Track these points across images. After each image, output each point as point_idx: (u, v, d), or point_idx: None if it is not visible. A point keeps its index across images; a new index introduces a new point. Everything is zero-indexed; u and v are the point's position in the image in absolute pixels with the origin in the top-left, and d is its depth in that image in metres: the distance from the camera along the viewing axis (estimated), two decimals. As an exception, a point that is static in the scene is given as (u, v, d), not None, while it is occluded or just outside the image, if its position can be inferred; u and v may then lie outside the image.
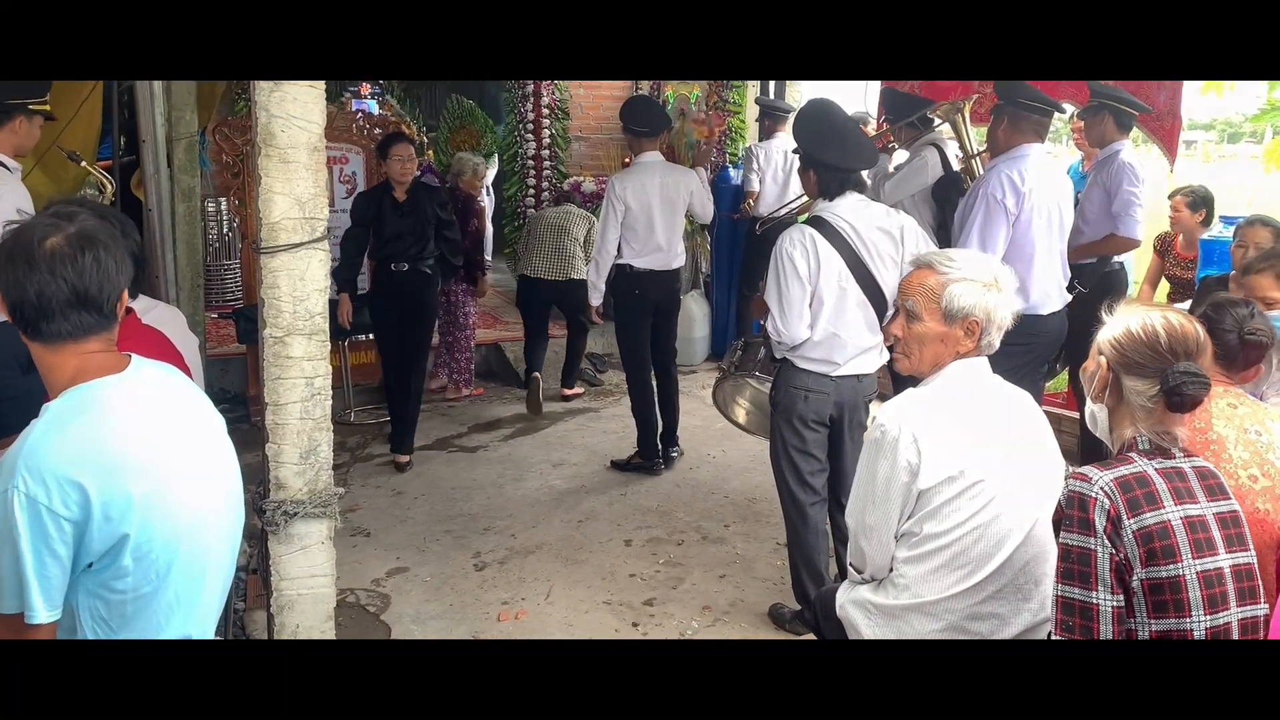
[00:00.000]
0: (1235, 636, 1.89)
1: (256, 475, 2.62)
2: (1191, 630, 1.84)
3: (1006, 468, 2.29)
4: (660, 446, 5.43)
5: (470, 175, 6.66)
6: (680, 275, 5.48)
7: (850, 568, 2.57)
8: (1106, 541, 1.86)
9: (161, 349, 2.42)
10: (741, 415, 4.28)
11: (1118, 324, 2.01)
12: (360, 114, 7.42)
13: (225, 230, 7.91)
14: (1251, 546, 1.99)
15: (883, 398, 3.57)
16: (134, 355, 1.74)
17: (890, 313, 3.59)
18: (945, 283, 2.40)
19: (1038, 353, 4.13)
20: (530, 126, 9.09)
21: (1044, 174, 4.07)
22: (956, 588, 2.30)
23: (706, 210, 5.47)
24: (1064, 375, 5.24)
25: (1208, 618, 1.85)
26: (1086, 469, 1.92)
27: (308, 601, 2.63)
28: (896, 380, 4.64)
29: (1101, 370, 2.01)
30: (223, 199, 7.57)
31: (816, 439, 3.60)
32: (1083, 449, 4.39)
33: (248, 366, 6.14)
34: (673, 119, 8.54)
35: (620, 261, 5.18)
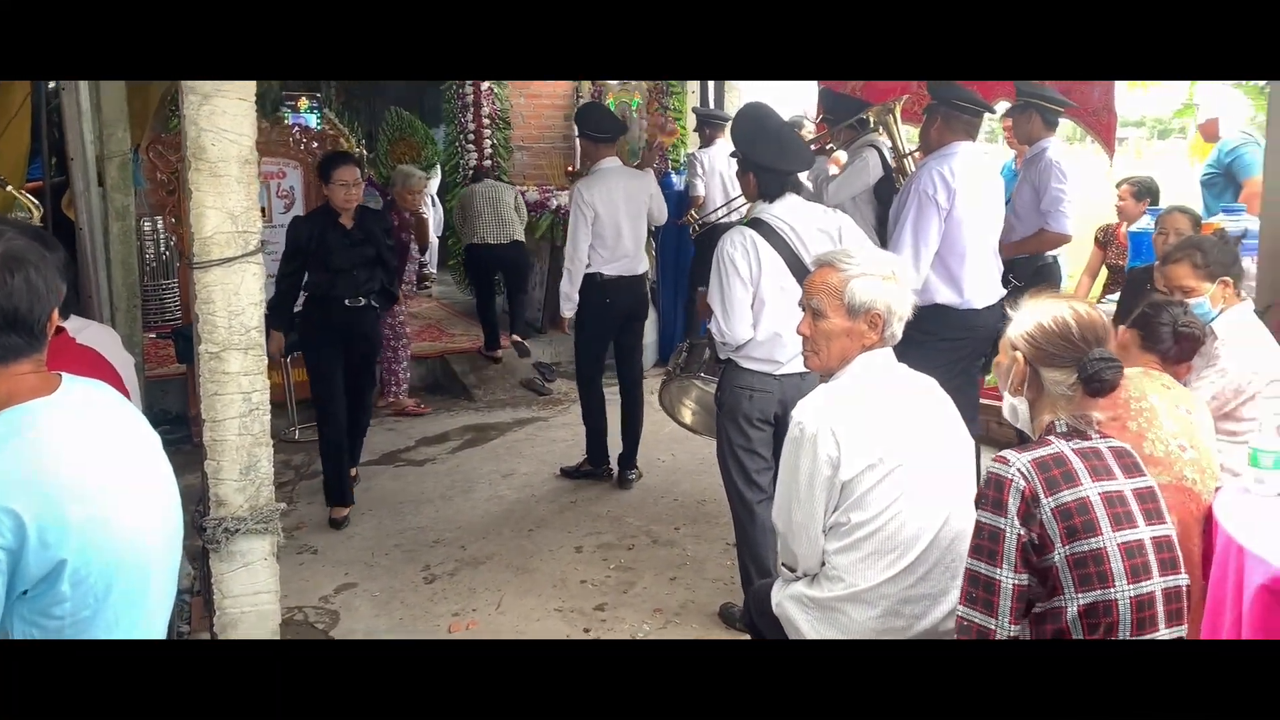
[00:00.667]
0: (1159, 606, 1.96)
1: (198, 495, 2.59)
2: (1117, 600, 1.90)
3: (922, 451, 2.37)
4: (617, 467, 5.38)
5: (400, 187, 6.56)
6: (647, 280, 5.45)
7: (783, 567, 2.62)
8: (1017, 523, 1.93)
9: (97, 368, 2.38)
10: (688, 416, 4.31)
11: (1028, 319, 2.08)
12: (297, 128, 7.35)
13: (162, 249, 7.78)
14: (1169, 520, 2.06)
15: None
16: (64, 375, 1.71)
17: None
18: (846, 279, 2.48)
19: (974, 346, 4.21)
20: (471, 137, 9.08)
21: (975, 170, 4.15)
22: (888, 572, 2.36)
23: (662, 213, 5.48)
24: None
25: (1130, 587, 1.92)
26: (1006, 452, 1.99)
27: (252, 619, 2.61)
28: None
29: (1018, 365, 2.08)
30: (159, 217, 7.45)
31: (762, 437, 3.64)
32: (1020, 437, 4.48)
33: (188, 386, 6.05)
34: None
35: (589, 271, 5.11)
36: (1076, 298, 2.16)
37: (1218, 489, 2.64)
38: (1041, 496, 1.92)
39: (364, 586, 4.23)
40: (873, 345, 2.48)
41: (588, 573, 4.31)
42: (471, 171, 8.98)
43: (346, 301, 4.77)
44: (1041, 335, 2.04)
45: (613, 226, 5.09)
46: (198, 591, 3.77)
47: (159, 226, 7.65)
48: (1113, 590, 1.90)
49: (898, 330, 2.50)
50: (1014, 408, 2.14)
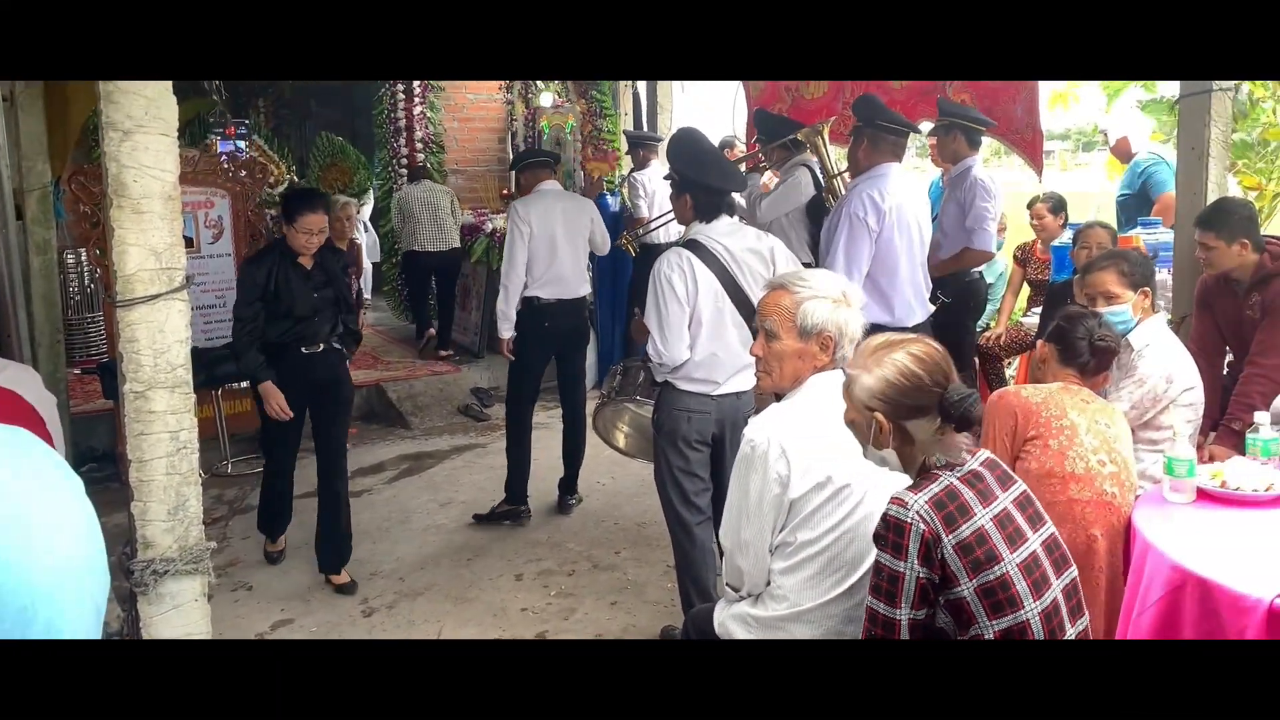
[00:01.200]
0: (1063, 610, 2.03)
1: (125, 537, 2.53)
2: (1028, 620, 1.95)
3: (868, 471, 2.38)
4: (557, 492, 5.33)
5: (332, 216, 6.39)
6: (585, 304, 5.40)
7: (727, 587, 2.63)
8: (917, 565, 1.95)
9: (15, 411, 2.33)
10: (622, 440, 4.32)
11: (873, 378, 2.07)
12: (225, 155, 7.25)
13: (87, 282, 7.62)
14: (1047, 517, 2.13)
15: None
16: None
17: None
18: (799, 301, 2.52)
19: (906, 363, 4.28)
20: (404, 161, 9.03)
21: (903, 192, 4.24)
22: (832, 592, 2.38)
23: (605, 242, 5.42)
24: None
25: (1037, 604, 1.98)
26: (902, 493, 2.01)
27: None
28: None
29: (881, 426, 2.07)
30: (82, 250, 7.30)
31: (700, 459, 3.66)
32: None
33: (116, 423, 5.92)
34: (552, 147, 8.63)
35: (526, 294, 5.04)
36: (905, 339, 2.14)
37: (1137, 497, 2.72)
38: (943, 536, 1.94)
39: (300, 622, 4.16)
40: (824, 366, 2.52)
41: (528, 600, 4.29)
42: (405, 173, 8.95)
43: (304, 349, 4.40)
44: (895, 392, 2.05)
45: (549, 247, 5.03)
46: (126, 634, 3.69)
47: (83, 259, 7.51)
48: (1023, 611, 1.95)
49: (849, 351, 2.51)
50: (881, 458, 2.16)
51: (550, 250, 5.04)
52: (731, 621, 2.54)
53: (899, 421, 2.06)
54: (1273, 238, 3.65)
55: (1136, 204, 5.57)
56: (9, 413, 2.11)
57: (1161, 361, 3.13)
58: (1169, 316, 3.68)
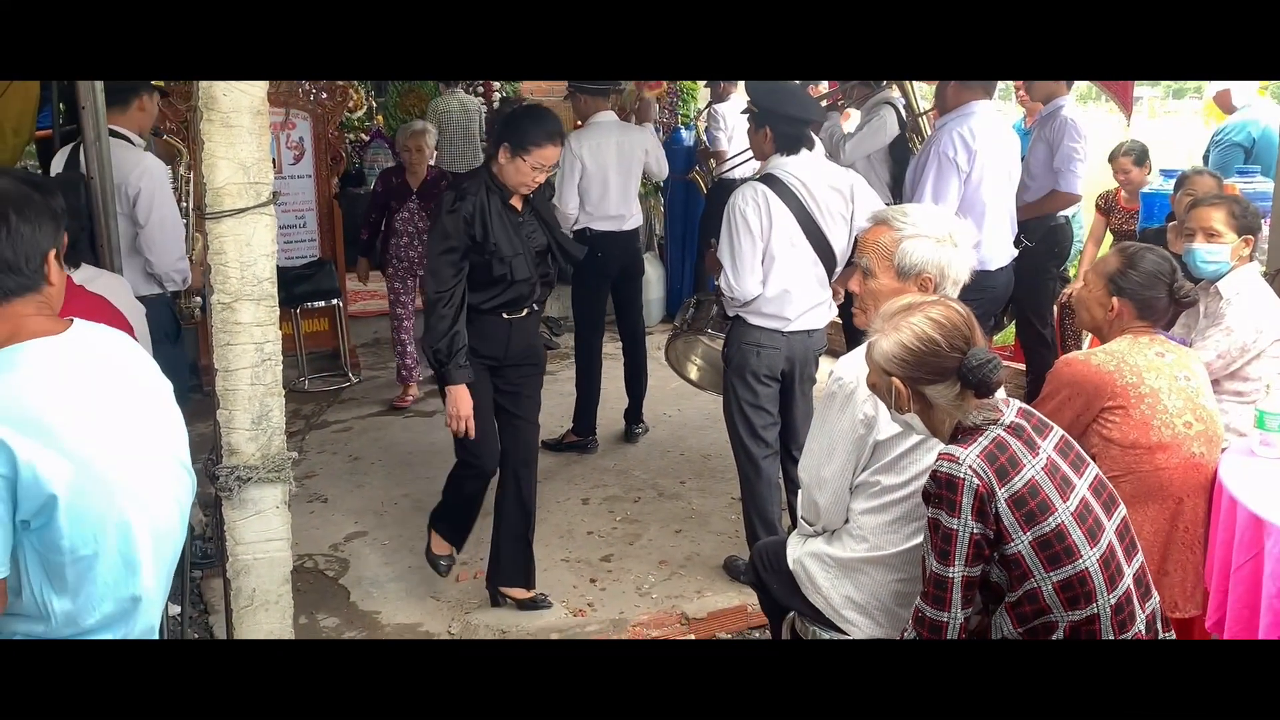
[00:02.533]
0: (1119, 551, 1.99)
1: (210, 444, 2.62)
2: (1087, 569, 1.92)
3: None
4: (623, 422, 5.38)
5: (405, 139, 5.81)
6: (639, 236, 5.40)
7: (802, 520, 2.63)
8: (971, 521, 1.92)
9: (106, 315, 2.40)
10: (694, 372, 4.33)
11: (890, 341, 2.02)
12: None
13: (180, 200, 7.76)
14: (1089, 458, 2.08)
15: (832, 353, 3.65)
16: (77, 320, 1.73)
17: (839, 269, 3.65)
18: (899, 239, 2.43)
19: (986, 307, 4.20)
20: (480, 90, 9.01)
21: (994, 131, 4.13)
22: (914, 539, 2.35)
23: (663, 168, 5.43)
24: (1011, 328, 5.34)
25: (1094, 550, 1.94)
26: (952, 448, 1.97)
27: (264, 566, 2.64)
28: (850, 335, 4.70)
29: (898, 390, 2.03)
30: (168, 168, 7.44)
31: (769, 393, 3.66)
32: (1028, 402, 4.50)
33: (198, 336, 6.08)
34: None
35: (577, 227, 5.05)
36: (928, 301, 2.07)
37: (1224, 450, 2.65)
38: (996, 489, 1.91)
39: (373, 535, 4.28)
40: None
41: (594, 524, 4.36)
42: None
43: (505, 314, 3.46)
44: (911, 357, 2.00)
45: (600, 181, 5.00)
46: (210, 537, 3.84)
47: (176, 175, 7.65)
48: (1081, 560, 1.93)
49: (951, 294, 2.42)
50: (906, 422, 2.12)
51: (603, 185, 5.02)
52: (809, 559, 2.52)
53: (916, 387, 2.02)
54: None
55: (1241, 155, 5.40)
56: (102, 318, 2.17)
57: (1251, 311, 3.02)
58: (1263, 268, 3.55)
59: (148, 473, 1.75)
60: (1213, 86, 5.80)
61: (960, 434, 2.02)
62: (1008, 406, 2.04)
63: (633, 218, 5.22)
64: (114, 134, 3.55)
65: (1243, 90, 5.72)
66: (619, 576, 3.92)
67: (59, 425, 1.59)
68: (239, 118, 2.40)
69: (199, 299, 4.32)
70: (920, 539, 2.32)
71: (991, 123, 4.12)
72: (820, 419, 2.50)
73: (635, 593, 3.81)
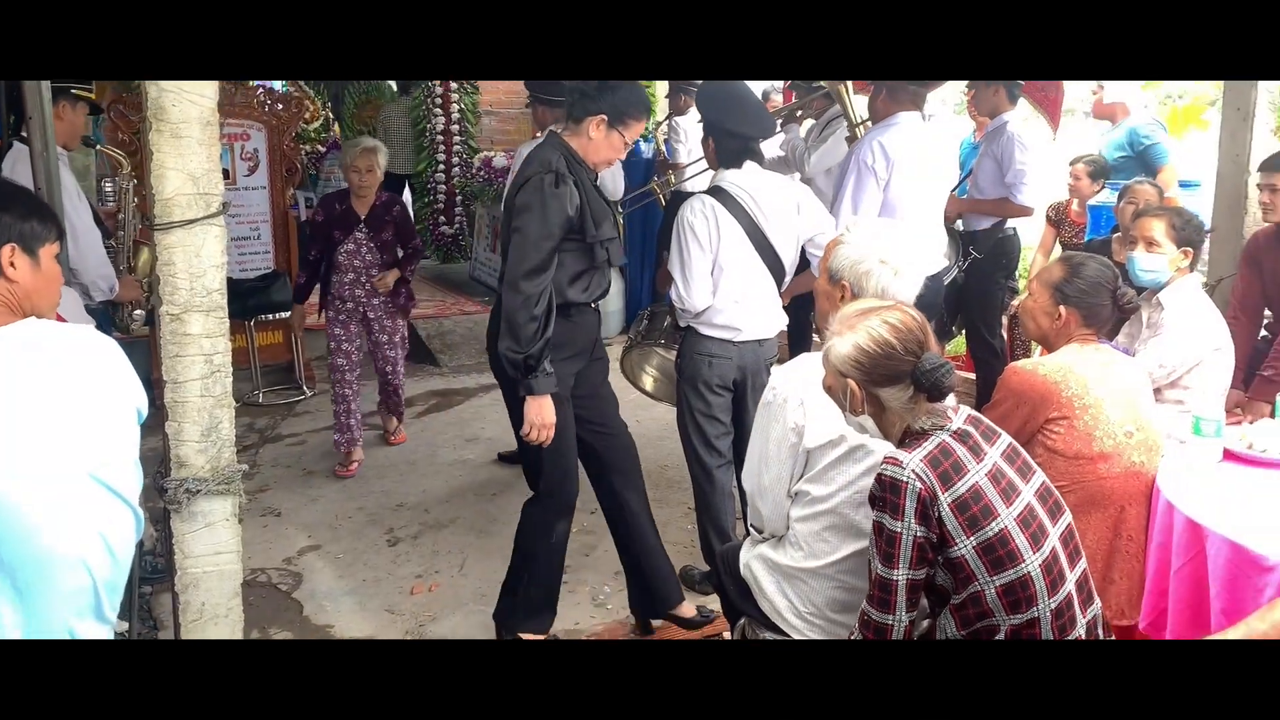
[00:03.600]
0: (1061, 557, 2.03)
1: (159, 457, 2.60)
2: (1029, 573, 1.96)
3: None
4: None
5: (352, 158, 4.93)
6: None
7: (752, 528, 2.67)
8: (914, 524, 1.96)
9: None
10: (649, 383, 4.35)
11: (846, 344, 2.06)
12: (261, 89, 7.26)
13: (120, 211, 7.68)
14: (1035, 465, 2.13)
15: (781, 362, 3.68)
16: (33, 319, 1.72)
17: (788, 278, 3.70)
18: (836, 244, 2.53)
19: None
20: (439, 100, 9.00)
21: (919, 141, 4.15)
22: (845, 549, 2.39)
23: (618, 187, 5.43)
24: (961, 338, 5.42)
25: (1036, 555, 1.98)
26: (897, 453, 2.02)
27: (213, 579, 2.62)
28: (792, 345, 4.73)
29: (853, 390, 2.07)
30: (117, 178, 7.35)
31: (721, 403, 3.69)
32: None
33: (150, 349, 6.01)
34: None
35: None
36: (884, 306, 2.13)
37: (1162, 456, 2.71)
38: (939, 494, 1.95)
39: (327, 549, 4.26)
40: None
41: (550, 536, 4.35)
42: (440, 138, 8.93)
43: (595, 305, 3.31)
44: (867, 359, 2.04)
45: None
46: (159, 552, 3.79)
47: (117, 187, 7.56)
48: (1024, 565, 1.96)
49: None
50: (860, 424, 2.16)
51: None
52: (755, 562, 2.57)
53: (871, 389, 2.06)
54: None
55: (1134, 166, 5.54)
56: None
57: (1192, 322, 3.10)
58: (1204, 279, 3.65)
59: (47, 489, 1.65)
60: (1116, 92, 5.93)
61: (908, 438, 2.06)
62: (956, 413, 2.08)
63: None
64: (27, 142, 3.51)
65: (1122, 96, 5.88)
66: (574, 588, 3.93)
67: None
68: (188, 128, 2.38)
69: (139, 312, 4.28)
70: (851, 548, 2.37)
71: (915, 134, 4.15)
72: (757, 428, 2.56)
73: (591, 603, 3.81)
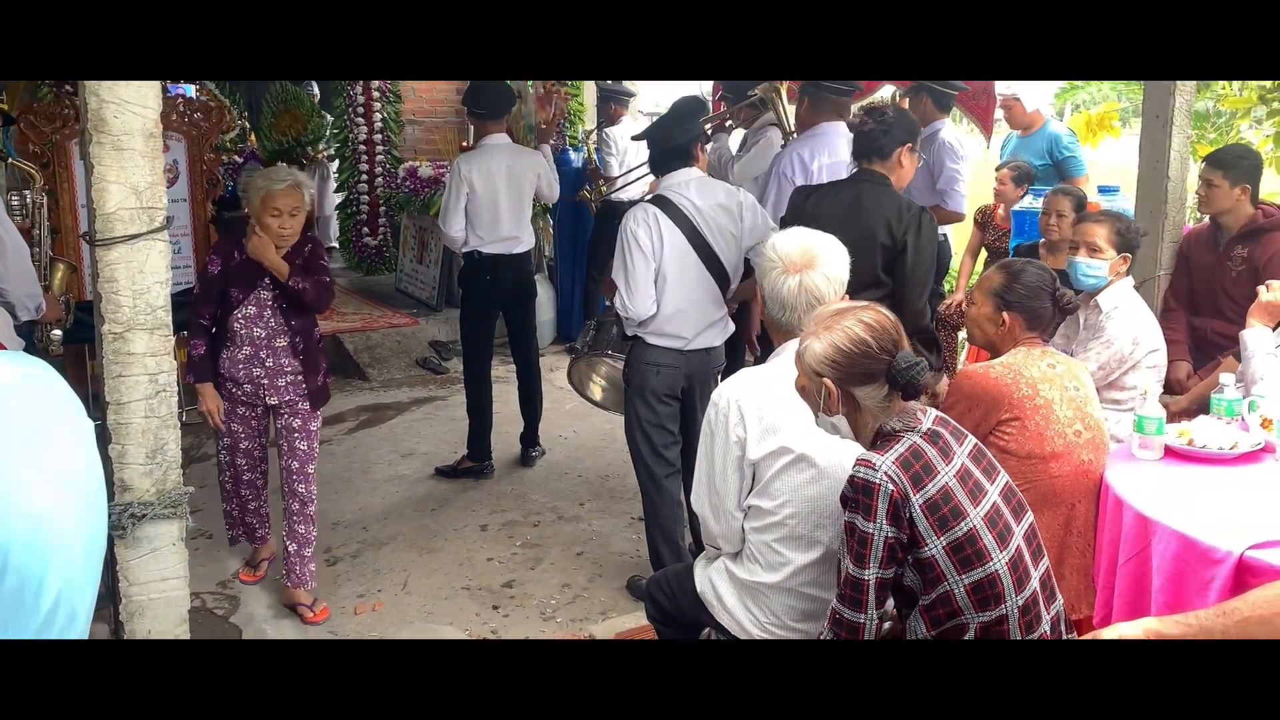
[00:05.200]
0: (1026, 556, 2.08)
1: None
2: (996, 571, 2.01)
3: (833, 444, 2.34)
4: (520, 446, 5.33)
5: (267, 199, 3.56)
6: (531, 258, 5.36)
7: (708, 547, 2.66)
8: (885, 525, 1.99)
9: (-12, 350, 2.28)
10: (598, 393, 4.34)
11: (823, 343, 2.09)
12: (180, 98, 7.06)
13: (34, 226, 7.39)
14: (1000, 467, 2.18)
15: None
16: None
17: (733, 285, 3.72)
18: (763, 274, 2.58)
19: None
20: (360, 110, 8.86)
21: (838, 151, 4.21)
22: (798, 560, 2.40)
23: (553, 191, 5.38)
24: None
25: (1003, 554, 2.03)
26: (869, 455, 2.04)
27: (159, 606, 2.54)
28: (730, 356, 4.78)
29: (829, 391, 2.09)
30: (26, 192, 7.08)
31: (669, 412, 3.70)
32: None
33: (65, 367, 5.79)
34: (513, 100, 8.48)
35: (467, 249, 5.02)
36: (859, 306, 2.16)
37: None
38: (910, 495, 1.98)
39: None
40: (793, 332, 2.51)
41: (494, 550, 4.32)
42: (361, 121, 8.78)
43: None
44: (843, 358, 2.07)
45: (490, 206, 4.95)
46: (100, 580, 3.64)
47: (27, 200, 7.27)
48: (991, 563, 2.01)
49: (779, 318, 2.54)
50: (832, 425, 2.19)
51: (492, 208, 4.96)
52: (717, 578, 2.56)
53: (847, 388, 2.08)
54: (1266, 202, 3.79)
55: (1051, 175, 5.74)
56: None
57: (1129, 324, 3.21)
58: (1134, 281, 3.78)
59: (61, 526, 1.64)
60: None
61: (879, 439, 2.09)
62: (925, 414, 2.11)
63: (525, 240, 5.17)
64: None
65: (1038, 103, 6.07)
66: (522, 602, 3.89)
67: None
68: (131, 140, 2.32)
69: (57, 331, 4.13)
70: (806, 559, 2.39)
71: (836, 143, 4.20)
72: (702, 447, 2.56)
73: (539, 617, 3.78)
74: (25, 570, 1.57)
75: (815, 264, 2.49)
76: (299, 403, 3.74)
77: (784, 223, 3.74)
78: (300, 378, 3.72)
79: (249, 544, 4.12)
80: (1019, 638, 2.02)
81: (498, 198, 4.97)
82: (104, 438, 2.43)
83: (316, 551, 4.23)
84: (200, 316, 3.68)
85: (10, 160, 4.89)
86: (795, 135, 4.64)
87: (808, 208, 3.48)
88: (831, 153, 4.17)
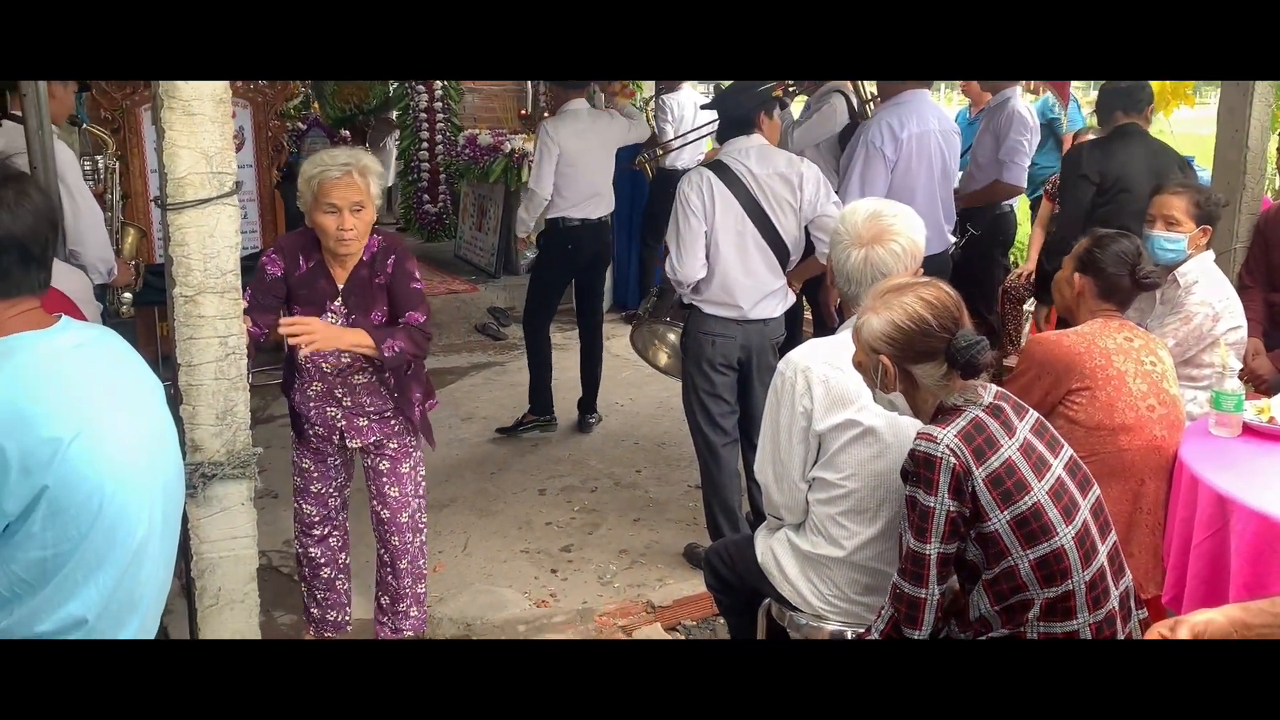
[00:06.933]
0: (1093, 530, 2.04)
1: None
2: (1063, 546, 1.97)
3: (899, 419, 2.31)
4: (577, 412, 5.38)
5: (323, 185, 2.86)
6: (609, 225, 5.39)
7: (771, 517, 2.65)
8: (947, 499, 1.96)
9: (66, 309, 2.33)
10: (663, 359, 4.33)
11: (881, 320, 2.04)
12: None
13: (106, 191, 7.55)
14: (1063, 440, 2.13)
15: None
16: (64, 316, 1.69)
17: (793, 258, 3.69)
18: (837, 226, 2.54)
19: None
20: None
21: (926, 120, 4.16)
22: (863, 534, 2.38)
23: (644, 133, 5.54)
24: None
25: (1069, 528, 1.99)
26: (930, 428, 2.01)
27: (229, 564, 2.59)
28: (790, 328, 4.76)
29: (885, 366, 2.05)
30: (98, 157, 7.22)
31: (725, 382, 3.69)
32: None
33: (135, 330, 5.92)
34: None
35: (552, 217, 5.09)
36: (919, 282, 2.10)
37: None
38: (973, 469, 1.95)
39: (328, 531, 4.21)
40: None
41: (552, 515, 4.35)
42: (423, 115, 8.83)
43: None
44: (901, 336, 2.03)
45: (577, 167, 5.04)
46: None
47: (98, 165, 7.42)
48: (1057, 538, 1.97)
49: (847, 290, 2.50)
50: (890, 401, 2.15)
51: (580, 171, 5.05)
52: (777, 546, 2.55)
53: (904, 366, 2.05)
54: None
55: (1043, 134, 5.71)
56: (63, 312, 2.11)
57: (1208, 298, 3.11)
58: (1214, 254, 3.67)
59: (137, 469, 1.69)
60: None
61: (940, 414, 2.06)
62: (985, 389, 2.08)
63: (606, 203, 5.24)
64: (16, 120, 3.43)
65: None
66: (580, 566, 3.92)
67: (49, 415, 1.54)
68: (201, 105, 2.34)
69: (128, 294, 4.21)
70: (870, 532, 2.36)
71: (925, 112, 4.16)
72: (767, 415, 2.53)
73: (597, 582, 3.81)
74: (120, 508, 1.63)
75: (884, 237, 2.43)
76: (387, 443, 3.10)
77: (1078, 185, 4.08)
78: (389, 415, 3.06)
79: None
80: (1086, 614, 1.99)
81: (585, 159, 5.06)
82: (173, 399, 2.48)
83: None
84: (255, 324, 2.83)
85: (84, 126, 4.96)
86: (876, 102, 4.57)
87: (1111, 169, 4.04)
88: (920, 120, 4.11)
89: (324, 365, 2.99)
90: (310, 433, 3.12)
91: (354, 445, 3.10)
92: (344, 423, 3.06)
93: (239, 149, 6.22)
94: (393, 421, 3.07)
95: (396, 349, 2.83)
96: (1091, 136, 4.88)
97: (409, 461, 3.14)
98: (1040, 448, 2.05)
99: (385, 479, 3.13)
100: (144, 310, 4.90)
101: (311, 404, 3.07)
